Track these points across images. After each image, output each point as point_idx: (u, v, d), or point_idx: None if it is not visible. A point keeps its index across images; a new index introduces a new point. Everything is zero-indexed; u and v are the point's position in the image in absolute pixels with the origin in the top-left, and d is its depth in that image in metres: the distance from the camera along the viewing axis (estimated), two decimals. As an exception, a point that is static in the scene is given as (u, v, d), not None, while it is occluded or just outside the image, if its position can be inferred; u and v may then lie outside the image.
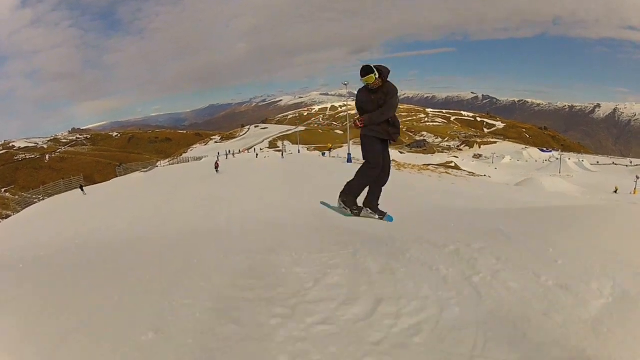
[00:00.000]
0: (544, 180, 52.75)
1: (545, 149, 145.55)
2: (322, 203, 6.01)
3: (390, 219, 5.39)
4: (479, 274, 4.03)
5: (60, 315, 3.74)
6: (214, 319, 3.55)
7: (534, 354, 2.77)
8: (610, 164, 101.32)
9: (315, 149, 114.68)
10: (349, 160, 37.76)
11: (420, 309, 3.52)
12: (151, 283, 4.64)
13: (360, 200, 5.27)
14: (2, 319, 3.77)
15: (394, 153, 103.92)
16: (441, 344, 3.01)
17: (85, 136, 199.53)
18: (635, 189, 45.70)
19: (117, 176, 46.19)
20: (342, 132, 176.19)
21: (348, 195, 5.10)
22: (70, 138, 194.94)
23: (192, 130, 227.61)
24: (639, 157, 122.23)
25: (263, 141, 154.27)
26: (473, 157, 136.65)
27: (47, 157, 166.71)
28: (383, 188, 5.27)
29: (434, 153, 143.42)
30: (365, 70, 4.82)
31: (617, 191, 44.85)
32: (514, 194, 20.00)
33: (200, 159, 74.63)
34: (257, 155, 75.69)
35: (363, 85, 4.91)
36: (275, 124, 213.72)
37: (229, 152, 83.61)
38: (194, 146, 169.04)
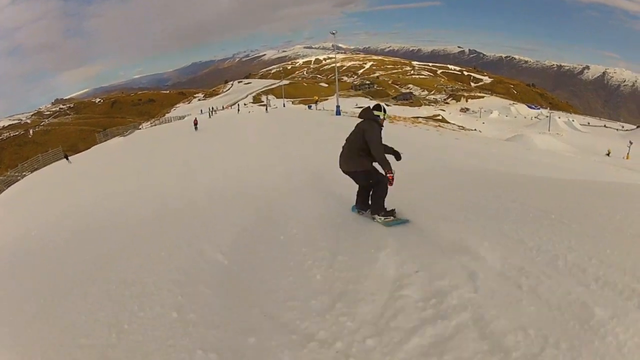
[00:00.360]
0: (534, 137, 52.28)
1: (533, 105, 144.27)
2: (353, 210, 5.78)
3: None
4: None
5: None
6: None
7: None
8: (601, 126, 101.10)
9: (300, 102, 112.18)
10: (338, 112, 36.24)
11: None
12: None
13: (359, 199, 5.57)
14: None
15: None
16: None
17: (68, 105, 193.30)
18: (628, 154, 44.82)
19: (97, 143, 44.03)
20: (327, 85, 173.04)
21: (380, 208, 5.16)
22: (54, 109, 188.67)
23: (175, 89, 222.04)
24: (628, 121, 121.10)
25: (247, 96, 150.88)
26: (460, 110, 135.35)
27: (31, 131, 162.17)
28: None
29: (420, 106, 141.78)
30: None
31: (610, 154, 44.11)
32: (530, 155, 18.52)
33: (182, 117, 72.33)
34: (238, 110, 73.36)
35: (380, 115, 5.21)
36: (259, 78, 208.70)
37: (212, 109, 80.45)
38: (177, 105, 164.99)
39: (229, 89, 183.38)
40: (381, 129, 5.15)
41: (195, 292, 4.11)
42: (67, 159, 32.30)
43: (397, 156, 5.42)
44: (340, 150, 5.32)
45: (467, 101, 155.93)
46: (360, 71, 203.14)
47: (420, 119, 47.27)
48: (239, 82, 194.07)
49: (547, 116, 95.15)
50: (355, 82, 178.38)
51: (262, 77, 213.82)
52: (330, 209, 6.16)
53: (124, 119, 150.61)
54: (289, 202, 6.90)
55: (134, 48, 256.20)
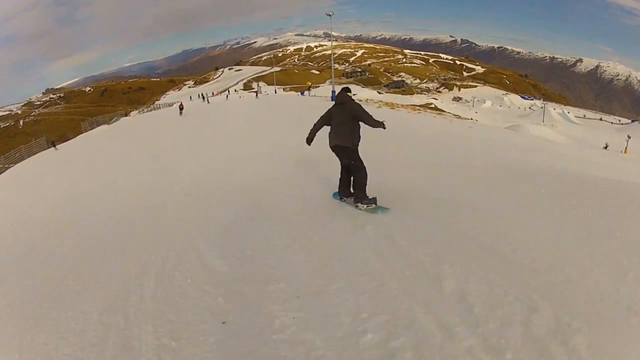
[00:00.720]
0: (530, 128, 51.90)
1: (527, 96, 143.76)
2: (335, 197, 6.05)
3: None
4: None
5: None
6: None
7: None
8: (598, 119, 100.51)
9: (291, 90, 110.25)
10: (333, 98, 35.05)
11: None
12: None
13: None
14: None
15: (372, 93, 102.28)
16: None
17: (58, 95, 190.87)
18: (626, 148, 43.89)
19: (82, 132, 42.16)
20: (318, 72, 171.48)
21: (362, 196, 5.43)
22: (44, 99, 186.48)
23: (166, 77, 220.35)
24: (621, 115, 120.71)
25: (237, 83, 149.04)
26: (453, 99, 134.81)
27: (22, 122, 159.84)
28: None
29: (412, 94, 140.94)
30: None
31: (607, 148, 43.14)
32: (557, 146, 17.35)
33: (171, 105, 70.71)
34: (227, 97, 71.72)
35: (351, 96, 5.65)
36: (250, 65, 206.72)
37: (203, 95, 78.41)
38: (168, 93, 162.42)
39: (219, 76, 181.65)
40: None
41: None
42: (55, 146, 32.13)
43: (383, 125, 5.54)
44: (332, 134, 5.55)
45: (459, 90, 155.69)
46: (352, 59, 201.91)
47: (417, 107, 46.27)
48: (229, 69, 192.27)
49: (541, 107, 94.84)
50: (347, 70, 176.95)
51: (253, 64, 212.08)
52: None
53: (114, 107, 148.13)
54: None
55: (125, 36, 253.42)
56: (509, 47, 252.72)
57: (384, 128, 5.44)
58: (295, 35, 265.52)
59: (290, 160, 9.04)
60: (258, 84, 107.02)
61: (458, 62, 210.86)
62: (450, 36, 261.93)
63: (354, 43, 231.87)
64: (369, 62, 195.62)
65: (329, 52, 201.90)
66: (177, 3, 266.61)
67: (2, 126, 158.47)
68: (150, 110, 66.15)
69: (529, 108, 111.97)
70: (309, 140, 5.86)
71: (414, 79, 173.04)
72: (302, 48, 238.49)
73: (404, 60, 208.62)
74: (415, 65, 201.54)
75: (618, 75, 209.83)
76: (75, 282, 4.48)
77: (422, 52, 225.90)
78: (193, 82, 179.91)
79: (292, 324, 3.15)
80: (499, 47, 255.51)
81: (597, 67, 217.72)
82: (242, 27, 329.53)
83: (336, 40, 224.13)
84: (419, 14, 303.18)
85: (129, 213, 7.34)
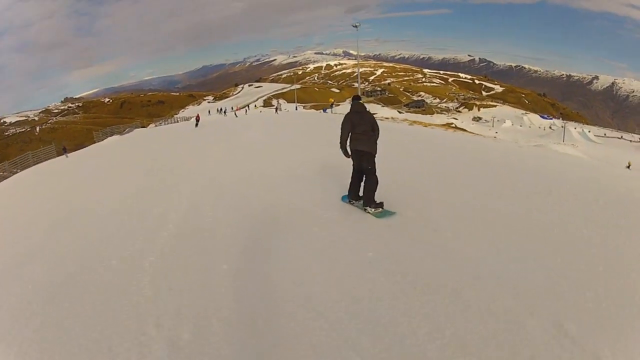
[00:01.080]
0: (554, 148, 50.82)
1: (545, 115, 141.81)
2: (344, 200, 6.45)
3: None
4: None
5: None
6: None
7: None
8: (619, 138, 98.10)
9: (311, 107, 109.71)
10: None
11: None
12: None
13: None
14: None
15: (392, 112, 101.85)
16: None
17: (77, 104, 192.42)
18: None
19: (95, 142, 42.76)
20: (338, 91, 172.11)
21: (372, 201, 5.88)
22: (62, 108, 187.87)
23: (185, 92, 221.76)
24: (637, 132, 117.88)
25: (257, 99, 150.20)
26: (472, 119, 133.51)
27: (38, 129, 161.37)
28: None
29: (432, 114, 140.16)
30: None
31: (630, 167, 41.28)
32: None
33: (189, 119, 70.88)
34: (246, 112, 71.65)
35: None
36: (270, 82, 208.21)
37: (222, 110, 78.80)
38: (187, 107, 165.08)
39: (239, 92, 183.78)
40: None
41: None
42: (66, 153, 32.48)
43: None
44: (356, 141, 5.93)
45: (479, 110, 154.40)
46: (372, 77, 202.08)
47: (452, 126, 45.91)
48: (249, 85, 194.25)
49: (561, 127, 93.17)
50: (367, 89, 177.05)
51: (273, 81, 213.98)
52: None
53: (132, 119, 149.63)
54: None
55: (146, 49, 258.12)
56: (526, 66, 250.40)
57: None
58: (315, 53, 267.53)
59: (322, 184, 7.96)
60: (278, 101, 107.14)
61: (477, 82, 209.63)
62: (469, 55, 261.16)
63: (374, 62, 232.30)
64: (388, 81, 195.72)
65: (349, 70, 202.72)
66: (197, 18, 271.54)
67: (17, 131, 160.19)
68: (169, 124, 66.25)
69: (549, 127, 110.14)
70: (347, 154, 6.07)
71: (434, 99, 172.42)
72: (321, 66, 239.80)
73: (423, 79, 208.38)
74: (434, 84, 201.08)
75: (634, 91, 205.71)
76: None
77: (441, 72, 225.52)
78: (212, 98, 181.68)
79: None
80: (516, 66, 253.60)
81: (612, 84, 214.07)
82: (262, 45, 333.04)
83: (355, 59, 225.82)
84: (437, 33, 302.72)
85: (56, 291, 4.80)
